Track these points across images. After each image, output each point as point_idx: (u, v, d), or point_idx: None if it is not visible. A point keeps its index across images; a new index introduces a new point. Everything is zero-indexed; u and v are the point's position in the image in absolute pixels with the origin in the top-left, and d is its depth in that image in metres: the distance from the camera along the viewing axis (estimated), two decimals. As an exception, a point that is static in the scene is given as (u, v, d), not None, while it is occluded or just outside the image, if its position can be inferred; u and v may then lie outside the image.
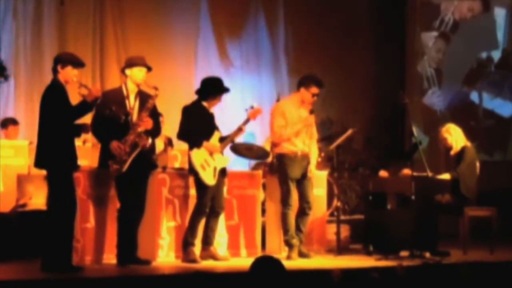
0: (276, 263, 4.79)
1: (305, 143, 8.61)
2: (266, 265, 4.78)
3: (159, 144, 9.26)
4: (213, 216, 8.28)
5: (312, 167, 8.65)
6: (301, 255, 8.53)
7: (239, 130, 8.42)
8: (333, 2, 13.21)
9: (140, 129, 7.59)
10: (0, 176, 9.10)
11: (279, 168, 8.64)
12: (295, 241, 8.51)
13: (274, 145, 8.77)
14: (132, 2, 11.71)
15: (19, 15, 10.91)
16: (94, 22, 11.47)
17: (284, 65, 13.00)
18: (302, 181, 8.58)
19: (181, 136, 8.34)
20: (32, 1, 11.02)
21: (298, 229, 8.59)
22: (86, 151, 9.38)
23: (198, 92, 8.39)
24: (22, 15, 10.94)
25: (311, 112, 8.59)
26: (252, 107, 8.50)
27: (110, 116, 7.45)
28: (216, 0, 12.44)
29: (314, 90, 8.54)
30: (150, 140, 7.66)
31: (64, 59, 7.25)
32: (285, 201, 8.54)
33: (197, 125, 8.22)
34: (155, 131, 7.83)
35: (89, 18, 11.43)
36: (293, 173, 8.52)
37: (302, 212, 8.61)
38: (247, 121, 8.43)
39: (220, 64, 12.42)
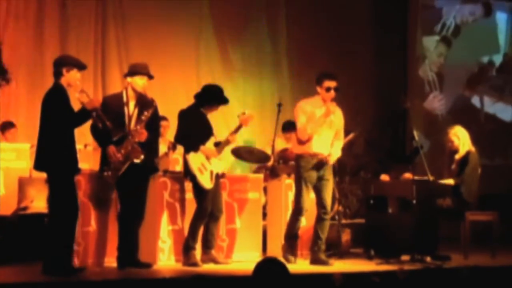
0: (280, 265, 4.77)
1: (327, 147, 8.36)
2: (270, 267, 4.76)
3: (162, 148, 9.27)
4: (212, 220, 8.29)
5: (332, 157, 8.34)
6: (320, 262, 8.31)
7: (232, 136, 8.39)
8: (334, 5, 13.21)
9: (134, 140, 7.58)
10: (1, 179, 9.12)
11: (295, 170, 8.49)
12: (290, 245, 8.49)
13: (298, 142, 8.43)
14: (134, 6, 11.71)
15: (20, 18, 10.92)
16: (96, 25, 11.47)
17: (285, 69, 12.99)
18: (318, 185, 8.38)
19: (179, 139, 8.35)
20: (34, 4, 11.03)
21: (317, 236, 8.40)
22: (87, 155, 9.39)
23: (196, 96, 8.39)
24: (24, 18, 10.95)
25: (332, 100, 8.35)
26: (244, 113, 8.48)
27: (103, 129, 7.42)
28: (217, 4, 12.44)
29: (327, 83, 8.34)
30: (142, 156, 7.56)
31: (69, 62, 7.25)
32: (296, 206, 8.39)
33: (194, 129, 8.23)
34: (150, 145, 7.70)
35: (91, 21, 11.43)
36: (308, 177, 8.33)
37: (319, 218, 8.42)
38: (239, 127, 8.41)
39: (221, 68, 12.42)
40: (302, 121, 8.34)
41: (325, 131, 8.41)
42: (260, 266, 4.78)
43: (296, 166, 8.45)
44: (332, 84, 8.36)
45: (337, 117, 8.50)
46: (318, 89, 8.40)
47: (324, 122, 8.35)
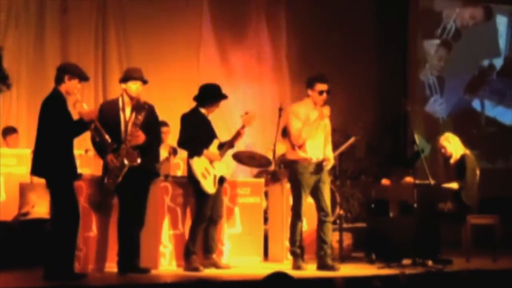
0: (289, 280, 4.70)
1: (320, 150, 8.27)
2: (279, 282, 4.69)
3: (163, 153, 9.26)
4: (211, 224, 8.27)
5: (330, 162, 8.27)
6: (327, 267, 8.12)
7: (238, 135, 8.36)
8: (335, 10, 13.21)
9: (130, 144, 7.56)
10: (2, 184, 9.12)
11: (291, 176, 8.34)
12: (299, 251, 8.29)
13: (292, 148, 8.30)
14: (134, 10, 11.72)
15: (21, 23, 10.92)
16: (97, 30, 11.48)
17: (286, 73, 12.99)
18: (316, 189, 8.24)
19: (182, 144, 8.31)
20: (35, 10, 11.03)
21: (322, 240, 8.20)
22: (89, 160, 9.40)
23: (196, 98, 8.38)
24: (25, 24, 10.95)
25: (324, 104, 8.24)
26: (246, 113, 8.44)
27: (99, 142, 7.43)
28: (218, 8, 12.45)
29: (319, 87, 8.20)
30: (139, 160, 7.51)
31: (72, 71, 7.26)
32: (295, 212, 8.24)
33: (197, 133, 8.21)
34: (150, 149, 7.71)
35: (92, 26, 11.43)
36: (306, 182, 8.19)
37: (321, 222, 8.24)
38: (243, 127, 8.36)
39: (222, 72, 12.42)
40: (297, 125, 8.19)
41: (318, 135, 8.28)
42: (267, 281, 4.70)
43: (292, 171, 8.29)
44: (324, 87, 8.23)
45: (327, 121, 8.39)
46: (310, 92, 8.26)
47: (319, 125, 8.25)
